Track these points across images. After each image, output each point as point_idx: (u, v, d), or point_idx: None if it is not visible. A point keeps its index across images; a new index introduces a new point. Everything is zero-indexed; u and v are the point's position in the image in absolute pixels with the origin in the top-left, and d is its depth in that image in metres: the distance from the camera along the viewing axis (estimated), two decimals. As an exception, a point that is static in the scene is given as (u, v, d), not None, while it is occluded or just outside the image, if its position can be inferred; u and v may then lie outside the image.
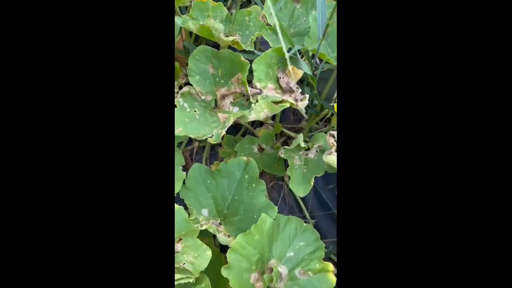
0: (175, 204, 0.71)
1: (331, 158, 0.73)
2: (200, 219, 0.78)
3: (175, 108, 0.77)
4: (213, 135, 0.72)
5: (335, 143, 0.74)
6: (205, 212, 0.79)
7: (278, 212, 1.21)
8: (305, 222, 1.17)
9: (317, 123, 1.24)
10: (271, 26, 0.91)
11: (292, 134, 1.15)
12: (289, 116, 1.26)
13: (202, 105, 0.79)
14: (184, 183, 0.78)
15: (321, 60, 0.85)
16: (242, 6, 1.42)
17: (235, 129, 1.16)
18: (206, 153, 1.06)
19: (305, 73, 0.91)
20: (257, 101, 0.74)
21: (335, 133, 0.76)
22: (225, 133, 0.71)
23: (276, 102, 0.74)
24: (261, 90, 0.75)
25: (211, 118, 0.78)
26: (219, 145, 1.10)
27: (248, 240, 0.72)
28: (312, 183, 0.79)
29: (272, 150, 0.94)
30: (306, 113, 1.18)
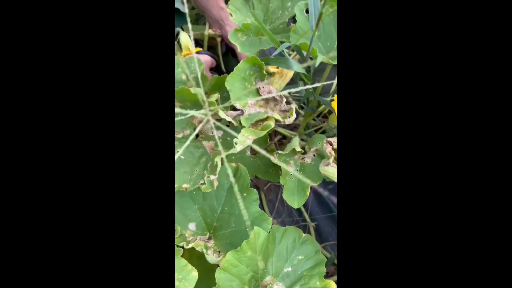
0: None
1: (329, 170, 0.65)
2: (187, 235, 0.71)
3: None
4: (204, 182, 0.64)
5: (333, 152, 0.66)
6: (192, 226, 0.72)
7: (276, 216, 1.15)
8: (305, 224, 1.11)
9: (314, 119, 1.15)
10: (238, 27, 0.80)
11: (287, 133, 1.06)
12: (284, 113, 1.18)
13: (183, 142, 0.71)
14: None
15: (311, 58, 0.77)
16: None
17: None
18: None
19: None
20: (239, 122, 0.67)
21: (333, 139, 0.68)
22: (217, 183, 0.64)
23: (261, 120, 0.66)
24: (242, 111, 0.67)
25: (197, 151, 0.70)
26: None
27: (239, 257, 0.64)
28: (308, 193, 0.71)
29: (266, 152, 0.86)
30: (302, 108, 1.09)
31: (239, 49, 0.80)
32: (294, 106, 0.68)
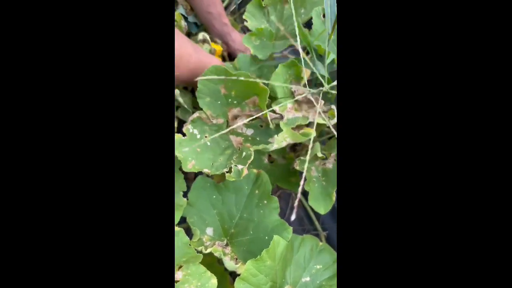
0: (175, 226, 0.62)
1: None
2: (204, 239, 0.69)
3: (185, 137, 0.68)
4: (231, 169, 0.63)
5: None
6: (209, 231, 0.70)
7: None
8: (316, 233, 1.10)
9: (327, 127, 1.14)
10: (252, 31, 0.83)
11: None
12: (298, 119, 1.17)
13: (214, 129, 0.70)
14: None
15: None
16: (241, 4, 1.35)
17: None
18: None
19: (312, 74, 0.83)
20: (276, 125, 0.66)
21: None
22: (246, 171, 0.63)
23: (300, 126, 0.65)
24: (281, 116, 0.66)
25: (224, 143, 0.69)
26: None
27: (258, 266, 0.63)
28: (334, 198, 0.70)
29: (283, 160, 0.85)
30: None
31: (252, 52, 0.81)
32: (334, 106, 0.67)
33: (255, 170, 0.70)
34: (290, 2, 0.89)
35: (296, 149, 1.16)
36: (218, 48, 0.95)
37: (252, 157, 0.62)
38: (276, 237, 0.65)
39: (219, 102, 0.71)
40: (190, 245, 0.60)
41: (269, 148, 0.61)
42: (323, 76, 0.78)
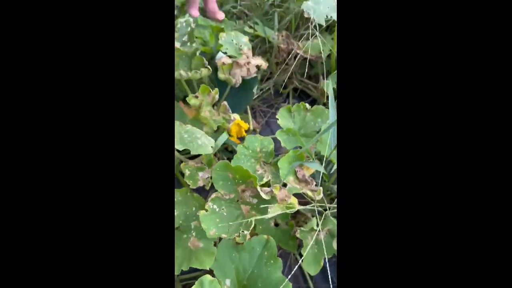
0: (208, 275, 0.84)
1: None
2: (223, 289, 0.90)
3: (207, 212, 0.95)
4: (240, 235, 0.90)
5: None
6: (228, 282, 0.92)
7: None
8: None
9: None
10: (282, 129, 1.16)
11: (301, 208, 1.29)
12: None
13: (228, 202, 1.00)
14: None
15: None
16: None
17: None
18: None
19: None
20: (272, 197, 0.92)
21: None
22: (249, 237, 0.89)
23: (296, 195, 0.91)
24: (272, 190, 0.92)
25: (236, 211, 0.98)
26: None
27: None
28: (322, 264, 0.93)
29: (286, 226, 1.09)
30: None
31: (282, 143, 1.13)
32: (321, 188, 0.93)
33: (265, 236, 0.94)
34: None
35: (296, 216, 1.39)
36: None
37: (253, 226, 0.90)
38: (279, 290, 0.86)
39: (229, 183, 1.01)
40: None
41: (266, 217, 0.86)
42: (324, 174, 1.04)
